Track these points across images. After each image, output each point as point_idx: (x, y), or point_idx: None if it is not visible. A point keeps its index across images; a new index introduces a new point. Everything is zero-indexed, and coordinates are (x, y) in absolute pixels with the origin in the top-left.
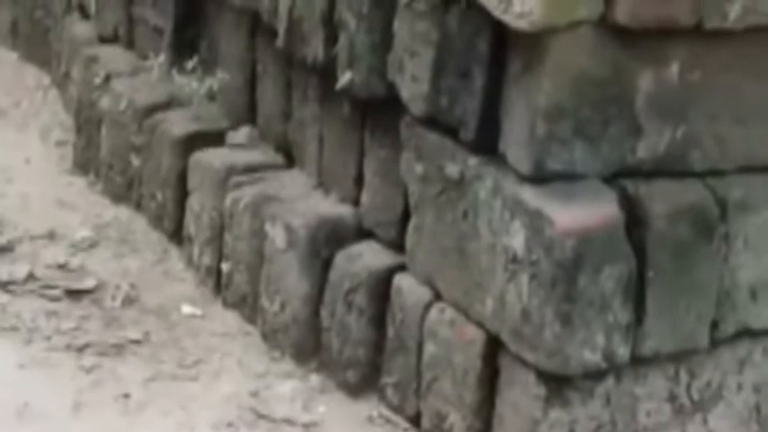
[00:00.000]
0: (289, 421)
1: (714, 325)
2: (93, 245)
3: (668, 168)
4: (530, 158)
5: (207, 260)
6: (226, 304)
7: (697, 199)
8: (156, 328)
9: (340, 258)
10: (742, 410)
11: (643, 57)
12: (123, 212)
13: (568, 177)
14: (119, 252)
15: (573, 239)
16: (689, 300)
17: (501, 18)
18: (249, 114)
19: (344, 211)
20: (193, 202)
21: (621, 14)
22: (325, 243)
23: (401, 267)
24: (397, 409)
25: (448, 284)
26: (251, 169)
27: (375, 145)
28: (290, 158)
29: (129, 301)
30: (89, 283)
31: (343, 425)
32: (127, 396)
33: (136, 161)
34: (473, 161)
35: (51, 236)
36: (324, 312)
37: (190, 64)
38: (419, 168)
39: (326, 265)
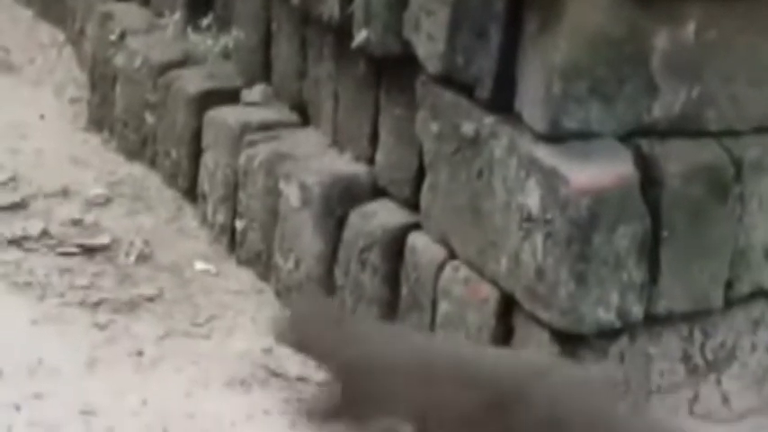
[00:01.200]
0: (302, 379)
1: (728, 285)
2: (107, 202)
3: (683, 128)
4: (545, 117)
5: (221, 218)
6: (240, 262)
7: (712, 159)
8: (169, 285)
9: (354, 217)
10: (756, 371)
11: (659, 16)
12: (137, 170)
13: (584, 136)
14: (133, 209)
15: (588, 198)
16: (703, 259)
17: None
18: (264, 72)
19: (359, 169)
20: (208, 160)
21: None
22: (340, 201)
23: (415, 226)
24: None
25: (462, 243)
26: (265, 127)
27: (390, 103)
28: (304, 117)
29: (142, 257)
30: (103, 239)
31: None
32: (140, 353)
33: (150, 119)
34: (488, 120)
35: (65, 193)
36: (338, 271)
37: (205, 22)
38: (434, 127)
39: (341, 223)
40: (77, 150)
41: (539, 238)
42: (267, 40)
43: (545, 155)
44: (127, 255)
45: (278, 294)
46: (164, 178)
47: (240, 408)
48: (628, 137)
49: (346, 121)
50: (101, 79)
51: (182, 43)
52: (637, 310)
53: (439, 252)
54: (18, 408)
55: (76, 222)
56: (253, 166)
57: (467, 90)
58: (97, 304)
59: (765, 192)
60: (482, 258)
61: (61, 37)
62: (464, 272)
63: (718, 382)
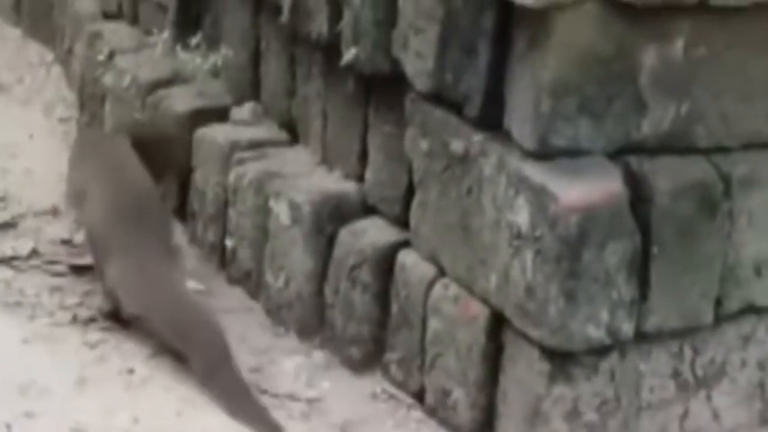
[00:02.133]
0: (292, 397)
1: (718, 301)
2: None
3: (673, 145)
4: (534, 134)
5: (211, 236)
6: (230, 280)
7: (701, 175)
8: None
9: (344, 234)
10: (746, 387)
11: (648, 33)
12: None
13: (573, 153)
14: None
15: (577, 215)
16: (693, 276)
17: None
18: (253, 90)
19: (349, 187)
20: (197, 178)
21: None
22: (330, 219)
23: (405, 243)
24: (400, 386)
25: (452, 260)
26: (255, 145)
27: (379, 121)
28: (294, 135)
29: None
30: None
31: (347, 401)
32: (131, 371)
33: None
34: (478, 137)
35: (55, 211)
36: (328, 288)
37: (194, 40)
38: (424, 144)
39: (331, 241)
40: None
41: (528, 256)
42: (256, 59)
43: (534, 172)
44: None
45: (268, 313)
46: None
47: (230, 426)
48: (617, 154)
49: (335, 139)
50: (90, 98)
51: (171, 62)
52: (627, 327)
53: (429, 270)
54: (9, 427)
55: (66, 241)
56: (242, 185)
57: (456, 108)
58: (87, 323)
59: (754, 208)
60: (472, 276)
61: (50, 56)
62: (454, 289)
63: (709, 398)
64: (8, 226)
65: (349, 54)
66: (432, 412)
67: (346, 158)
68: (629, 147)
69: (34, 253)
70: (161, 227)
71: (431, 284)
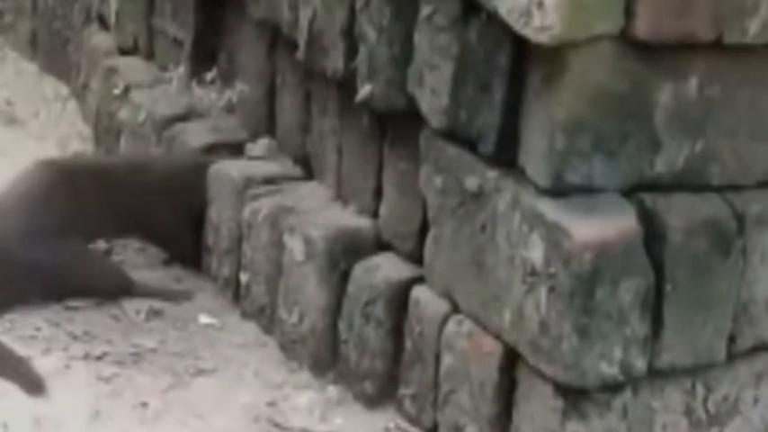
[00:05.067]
0: (305, 431)
1: (731, 339)
2: (111, 254)
3: (686, 182)
4: (548, 172)
5: (225, 271)
6: (244, 315)
7: (715, 213)
8: (173, 338)
9: (358, 270)
10: (758, 425)
11: (662, 71)
12: None
13: (587, 191)
14: (137, 262)
15: (591, 252)
16: (706, 313)
17: (521, 32)
18: (268, 126)
19: (363, 223)
20: (212, 213)
21: (641, 29)
22: (344, 255)
23: (419, 279)
24: (414, 421)
25: (466, 297)
26: (269, 181)
27: (394, 157)
28: (308, 170)
29: (153, 313)
30: None
31: None
32: (145, 405)
33: None
34: (492, 174)
35: None
36: (342, 324)
37: (209, 75)
38: (438, 181)
39: (345, 276)
40: None
41: (542, 292)
42: (271, 94)
43: (548, 209)
44: (137, 311)
45: (282, 348)
46: None
47: None
48: (631, 191)
49: (350, 175)
50: (105, 133)
51: (186, 97)
52: (640, 364)
53: (442, 306)
54: None
55: None
56: (257, 220)
57: (470, 144)
58: (101, 357)
59: None
60: (486, 312)
61: (65, 90)
62: (468, 325)
63: None
64: None
65: (364, 90)
66: None
67: (361, 194)
68: (643, 184)
69: None
70: None
71: (444, 320)
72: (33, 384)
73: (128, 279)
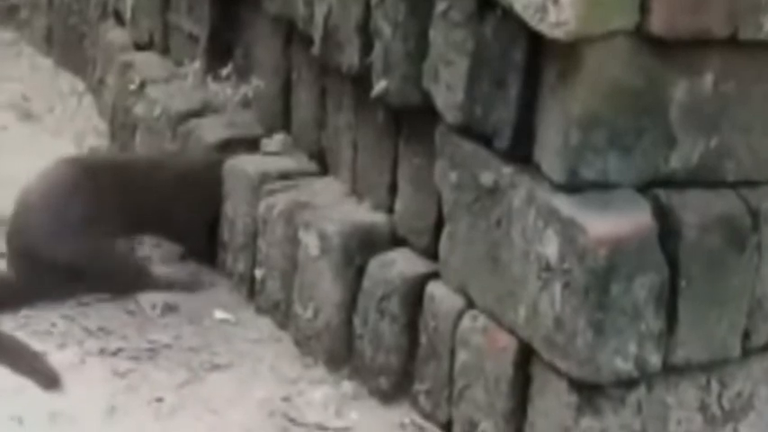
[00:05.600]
0: (321, 427)
1: (746, 335)
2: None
3: (701, 178)
4: (564, 167)
5: (240, 266)
6: (259, 310)
7: (730, 209)
8: (188, 334)
9: (373, 265)
10: None
11: (677, 67)
12: None
13: (602, 186)
14: (153, 257)
15: (606, 248)
16: (721, 309)
17: (536, 27)
18: (283, 121)
19: (378, 218)
20: (227, 209)
21: (657, 25)
22: (359, 250)
23: (434, 275)
24: (429, 416)
25: (481, 292)
26: (285, 176)
27: (409, 153)
28: (323, 166)
29: (168, 308)
30: None
31: (376, 431)
32: (160, 400)
33: None
34: (507, 170)
35: None
36: (357, 319)
37: (224, 71)
38: (453, 176)
39: (360, 272)
40: None
41: (557, 288)
42: (287, 90)
43: (563, 205)
44: (153, 307)
45: (297, 343)
46: None
47: None
48: (646, 187)
49: (365, 171)
50: (120, 128)
51: (201, 92)
52: (654, 360)
53: (457, 301)
54: None
55: None
56: (272, 215)
57: (485, 140)
58: (117, 352)
59: None
60: (501, 308)
61: (81, 86)
62: (482, 321)
63: (735, 431)
64: None
65: (379, 86)
66: None
67: (376, 190)
68: (657, 180)
69: None
70: None
71: (459, 316)
72: (49, 379)
73: (148, 274)
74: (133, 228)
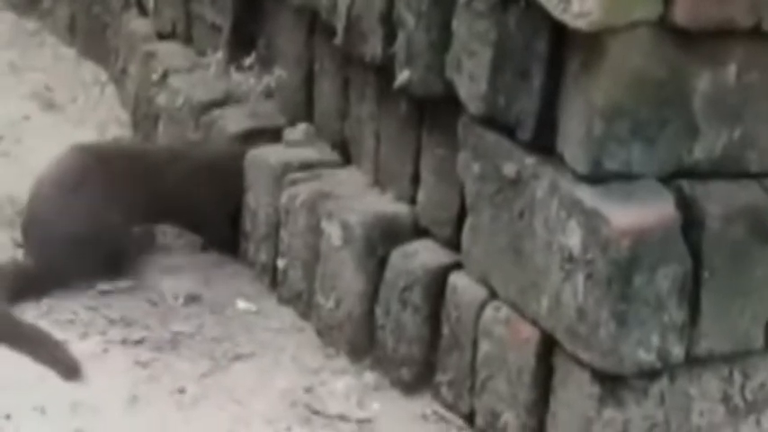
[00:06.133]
0: (343, 418)
1: None
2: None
3: (724, 169)
4: (587, 158)
5: (263, 256)
6: (281, 300)
7: (753, 200)
8: (211, 324)
9: (396, 256)
10: None
11: (701, 58)
12: None
13: (625, 177)
14: (175, 246)
15: (629, 239)
16: (744, 301)
17: (560, 18)
18: (306, 112)
19: (401, 209)
20: (250, 199)
21: (680, 15)
22: (381, 241)
23: (457, 266)
24: (451, 407)
25: (503, 283)
26: (307, 166)
27: (432, 143)
28: (346, 156)
29: (191, 298)
30: None
31: (398, 422)
32: (182, 390)
33: None
34: (530, 160)
35: None
36: (379, 310)
37: (247, 61)
38: (476, 167)
39: (382, 262)
40: None
41: (580, 279)
42: (310, 80)
43: (586, 196)
44: (175, 297)
45: (319, 333)
46: None
47: None
48: (669, 178)
49: (388, 161)
50: (143, 118)
51: (224, 82)
52: (677, 351)
53: (480, 292)
54: None
55: None
56: (294, 206)
57: (508, 131)
58: (139, 342)
59: None
60: (523, 298)
61: (104, 76)
62: (505, 312)
63: (758, 422)
64: None
65: (402, 76)
66: None
67: (399, 180)
68: (681, 171)
69: None
70: None
71: (482, 307)
72: (70, 369)
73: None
74: (152, 217)
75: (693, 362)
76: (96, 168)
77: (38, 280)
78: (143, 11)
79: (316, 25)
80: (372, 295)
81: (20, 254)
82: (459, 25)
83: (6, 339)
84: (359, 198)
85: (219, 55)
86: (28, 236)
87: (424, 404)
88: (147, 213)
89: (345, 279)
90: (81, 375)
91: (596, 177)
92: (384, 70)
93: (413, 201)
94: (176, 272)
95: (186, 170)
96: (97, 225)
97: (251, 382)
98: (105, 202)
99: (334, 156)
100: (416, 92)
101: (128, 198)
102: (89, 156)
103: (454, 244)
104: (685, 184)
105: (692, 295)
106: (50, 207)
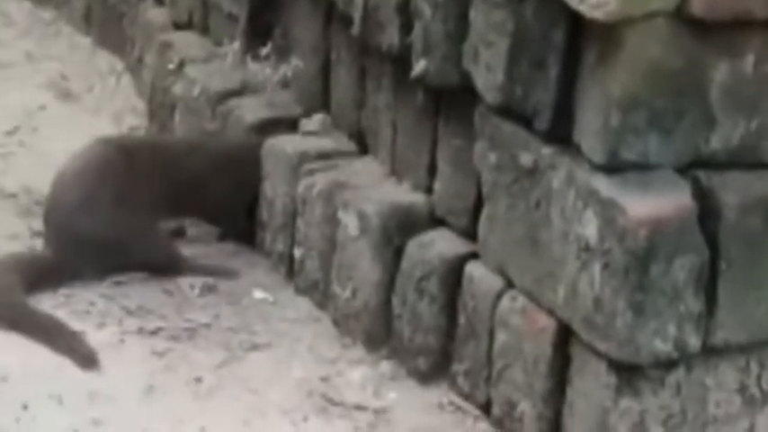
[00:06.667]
0: (359, 407)
1: None
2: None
3: (741, 160)
4: (604, 148)
5: (279, 246)
6: (297, 290)
7: None
8: (227, 313)
9: (412, 246)
10: None
11: (718, 48)
12: None
13: (642, 167)
14: (191, 236)
15: (646, 229)
16: (760, 291)
17: (577, 8)
18: (323, 101)
19: (417, 198)
20: (266, 189)
21: (697, 6)
22: (398, 230)
23: (473, 255)
24: (467, 397)
25: (520, 273)
26: (324, 156)
27: (448, 133)
28: (363, 146)
29: (207, 288)
30: None
31: (414, 412)
32: (199, 380)
33: None
34: (547, 150)
35: None
36: (395, 300)
37: (264, 51)
38: (492, 157)
39: (398, 252)
40: None
41: (596, 269)
42: (326, 70)
43: (603, 186)
44: (191, 286)
45: (335, 323)
46: None
47: None
48: (686, 168)
49: (405, 151)
50: (159, 108)
51: (240, 72)
52: (694, 342)
53: (496, 282)
54: None
55: None
56: (311, 195)
57: (525, 121)
58: (155, 331)
59: None
60: (539, 288)
61: (120, 65)
62: (521, 302)
63: None
64: None
65: (419, 66)
66: (498, 424)
67: (415, 170)
68: (697, 161)
69: None
70: None
71: (498, 296)
72: (86, 358)
73: (179, 256)
74: (171, 209)
75: (710, 352)
76: (117, 160)
77: (56, 271)
78: (159, 0)
79: (332, 15)
80: (389, 285)
81: (37, 243)
82: (476, 15)
83: (23, 329)
84: (375, 188)
85: (236, 45)
86: (49, 226)
87: (440, 394)
88: (166, 205)
89: (362, 269)
90: (97, 365)
91: (613, 167)
92: (401, 60)
93: (429, 190)
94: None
95: (204, 161)
96: (117, 217)
97: (267, 371)
98: (126, 194)
99: (350, 145)
100: (433, 82)
101: (149, 190)
102: (110, 148)
103: (471, 234)
104: (702, 174)
105: (708, 285)
106: (71, 198)
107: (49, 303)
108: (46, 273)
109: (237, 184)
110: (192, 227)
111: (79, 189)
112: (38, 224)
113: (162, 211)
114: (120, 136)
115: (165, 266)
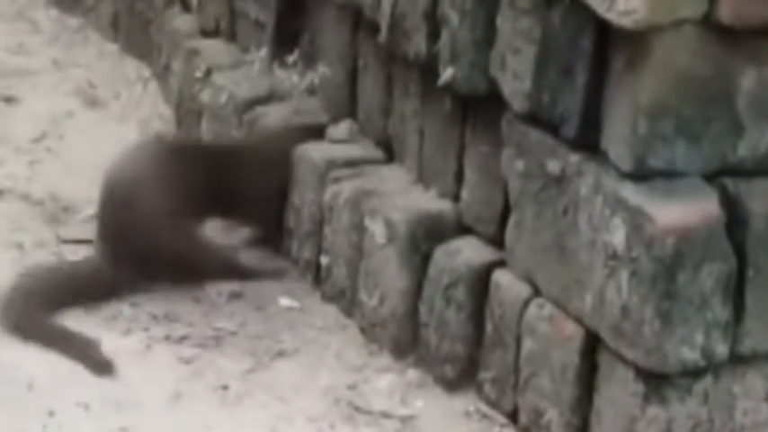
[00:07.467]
0: (386, 415)
1: None
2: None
3: None
4: (631, 156)
5: (306, 253)
6: (324, 298)
7: None
8: (254, 321)
9: (439, 253)
10: None
11: (745, 56)
12: None
13: (669, 175)
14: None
15: (673, 237)
16: None
17: (604, 16)
18: (350, 109)
19: (444, 206)
20: (293, 196)
21: (725, 14)
22: (425, 238)
23: (500, 263)
24: (494, 405)
25: (547, 280)
26: (351, 163)
27: (476, 141)
28: (390, 153)
29: (234, 295)
30: None
31: (441, 419)
32: (225, 387)
33: None
34: (574, 158)
35: None
36: (422, 307)
37: (291, 58)
38: (520, 165)
39: (426, 259)
40: None
41: (624, 277)
42: (353, 77)
43: (631, 193)
44: (219, 293)
45: (362, 331)
46: None
47: None
48: (713, 176)
49: (432, 158)
50: (186, 115)
51: (267, 79)
52: (721, 350)
53: (523, 289)
54: None
55: None
56: (338, 203)
57: (552, 128)
58: (182, 338)
59: None
60: (567, 296)
61: (147, 72)
62: (549, 309)
63: None
64: None
65: (446, 73)
66: None
67: (442, 177)
68: (725, 169)
69: None
70: None
71: (526, 304)
72: (99, 365)
73: (239, 265)
74: (214, 211)
75: (737, 360)
76: (172, 162)
77: (112, 284)
78: (186, 7)
79: (359, 22)
80: (416, 293)
81: (65, 251)
82: (503, 23)
83: (36, 338)
84: (402, 195)
85: (263, 52)
86: (106, 240)
87: (467, 401)
88: (210, 208)
89: (389, 276)
90: (112, 371)
91: (640, 175)
92: (428, 68)
93: (456, 198)
94: None
95: (246, 164)
96: (176, 224)
97: (294, 379)
98: (180, 199)
99: (377, 153)
100: (460, 89)
101: (196, 194)
102: (164, 150)
103: (498, 241)
104: (729, 182)
105: (736, 293)
106: (135, 213)
107: (75, 312)
108: (99, 285)
109: (280, 185)
110: (220, 233)
111: (139, 201)
112: (65, 231)
113: (207, 213)
114: (171, 137)
115: (225, 277)
